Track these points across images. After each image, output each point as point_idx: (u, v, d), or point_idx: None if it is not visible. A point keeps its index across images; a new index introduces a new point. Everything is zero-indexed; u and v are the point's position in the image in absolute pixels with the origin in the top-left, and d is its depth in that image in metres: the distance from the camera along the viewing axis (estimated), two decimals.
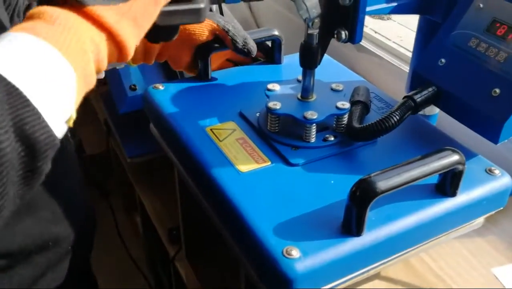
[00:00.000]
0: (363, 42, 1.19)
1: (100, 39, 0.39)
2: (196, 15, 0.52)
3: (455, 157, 0.57)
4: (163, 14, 0.48)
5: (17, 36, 0.36)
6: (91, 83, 0.40)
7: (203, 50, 0.81)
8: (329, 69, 0.85)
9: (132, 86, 1.42)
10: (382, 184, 0.52)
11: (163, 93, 0.79)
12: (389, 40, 1.18)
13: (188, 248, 0.98)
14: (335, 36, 0.65)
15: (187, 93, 0.80)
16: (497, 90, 0.61)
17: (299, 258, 0.52)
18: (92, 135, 1.85)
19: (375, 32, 1.21)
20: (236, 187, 0.61)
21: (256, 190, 0.61)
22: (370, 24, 1.24)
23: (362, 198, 0.52)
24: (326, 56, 0.89)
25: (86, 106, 1.67)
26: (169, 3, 0.49)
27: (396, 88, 1.09)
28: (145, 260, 1.63)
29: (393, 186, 0.53)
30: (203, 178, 0.65)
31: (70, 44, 0.36)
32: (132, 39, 0.42)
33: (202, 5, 0.51)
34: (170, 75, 1.46)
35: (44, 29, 0.36)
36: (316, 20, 0.63)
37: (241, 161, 0.65)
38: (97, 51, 0.39)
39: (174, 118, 0.73)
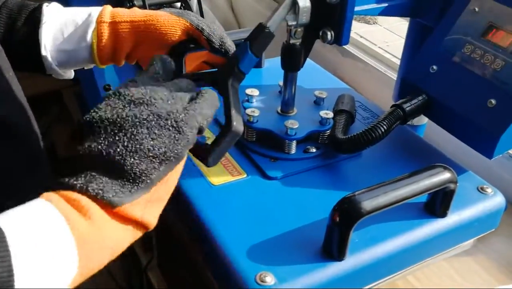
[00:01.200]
0: (348, 47, 1.14)
1: (125, 233, 0.41)
2: (237, 135, 0.51)
3: (447, 175, 0.51)
4: (216, 156, 0.49)
5: (49, 211, 0.37)
6: (94, 272, 0.41)
7: (177, 51, 0.75)
8: (313, 75, 0.80)
9: (106, 86, 1.37)
10: (367, 203, 0.47)
11: None
12: (375, 45, 1.13)
13: (161, 257, 0.92)
14: (320, 36, 0.59)
15: None
16: (493, 101, 0.57)
17: (273, 285, 0.46)
18: (66, 136, 1.78)
19: (361, 37, 1.16)
20: (207, 201, 0.55)
21: (229, 206, 0.55)
22: (355, 28, 1.19)
23: (345, 219, 0.47)
24: (309, 60, 0.84)
25: (60, 106, 1.61)
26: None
27: (382, 96, 1.04)
28: (119, 269, 1.56)
29: (379, 206, 0.47)
30: None
31: (92, 244, 0.38)
32: (156, 216, 0.44)
33: (234, 124, 0.50)
34: None
35: (77, 218, 0.37)
36: (300, 29, 0.58)
37: (214, 172, 0.59)
38: (121, 247, 0.41)
39: None
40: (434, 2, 0.64)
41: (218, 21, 1.51)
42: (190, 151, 0.55)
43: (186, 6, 1.34)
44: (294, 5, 0.56)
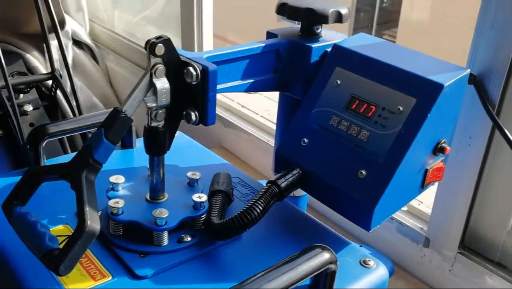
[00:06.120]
0: (230, 117, 1.13)
1: None
2: (93, 236, 0.47)
3: (326, 256, 0.49)
4: (69, 263, 0.45)
5: None
6: None
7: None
8: (188, 152, 0.76)
9: None
10: None
11: None
12: (257, 114, 1.14)
13: None
14: (184, 117, 0.56)
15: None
16: (363, 172, 0.56)
17: None
18: None
19: (242, 107, 1.16)
20: None
21: None
22: (237, 98, 1.20)
23: None
24: (185, 136, 0.80)
25: None
26: None
27: (266, 164, 1.03)
28: None
29: None
30: None
31: None
32: None
33: (89, 222, 0.46)
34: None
35: None
36: (161, 112, 0.54)
37: (72, 278, 0.51)
38: None
39: None
40: (297, 77, 0.64)
41: (96, 97, 1.45)
42: (40, 257, 0.47)
43: (58, 84, 1.26)
44: (151, 87, 0.53)
